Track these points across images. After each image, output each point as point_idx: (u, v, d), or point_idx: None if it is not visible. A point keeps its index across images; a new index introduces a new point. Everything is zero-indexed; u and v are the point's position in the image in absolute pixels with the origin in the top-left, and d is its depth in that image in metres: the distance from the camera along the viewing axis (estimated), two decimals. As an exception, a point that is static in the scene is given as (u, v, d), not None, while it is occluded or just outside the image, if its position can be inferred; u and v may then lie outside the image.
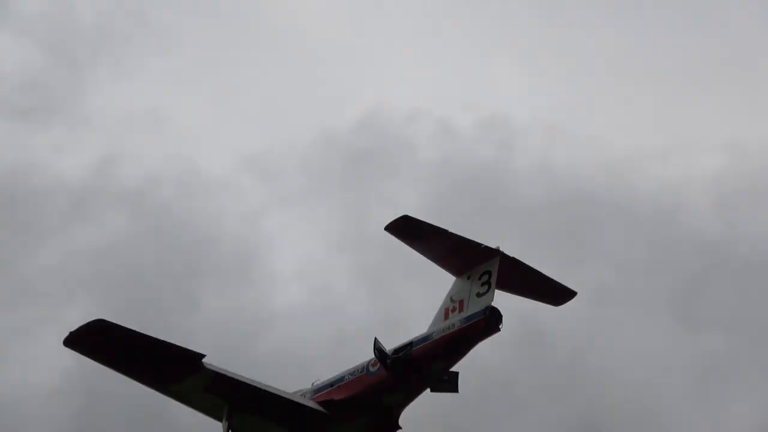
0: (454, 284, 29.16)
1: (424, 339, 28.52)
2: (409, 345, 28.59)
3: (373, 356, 28.59)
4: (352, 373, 29.39)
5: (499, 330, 27.95)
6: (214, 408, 29.28)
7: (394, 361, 28.26)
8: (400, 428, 29.36)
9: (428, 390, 28.90)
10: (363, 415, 29.11)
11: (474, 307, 28.14)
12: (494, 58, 75.17)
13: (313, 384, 30.24)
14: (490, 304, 27.92)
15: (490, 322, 27.77)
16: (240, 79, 76.04)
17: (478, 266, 28.47)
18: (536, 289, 29.91)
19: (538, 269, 29.40)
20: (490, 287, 28.20)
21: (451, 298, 28.94)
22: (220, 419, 29.32)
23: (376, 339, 28.36)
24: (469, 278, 28.78)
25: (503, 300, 29.00)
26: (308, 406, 29.07)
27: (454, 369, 28.68)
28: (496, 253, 28.25)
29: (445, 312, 28.84)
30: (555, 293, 30.15)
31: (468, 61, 74.64)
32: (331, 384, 29.63)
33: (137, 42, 74.39)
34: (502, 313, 27.99)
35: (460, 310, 28.47)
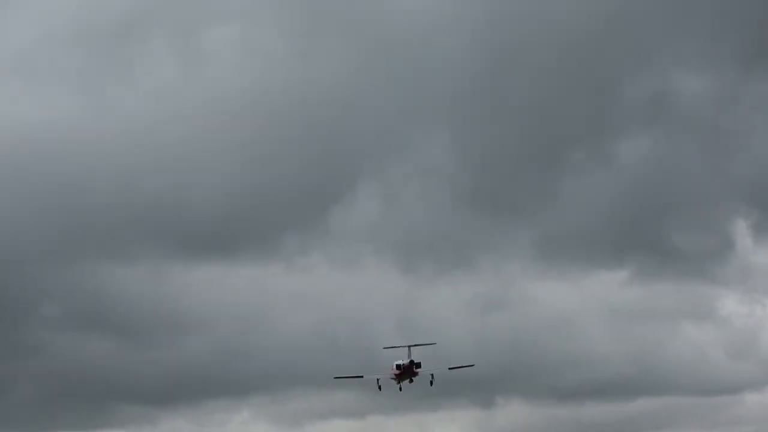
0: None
1: (404, 364, 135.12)
2: (402, 365, 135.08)
3: (396, 367, 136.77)
4: (396, 369, 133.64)
5: (416, 372, 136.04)
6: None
7: (402, 368, 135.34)
8: (417, 374, 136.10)
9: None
10: (404, 376, 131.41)
11: (409, 358, 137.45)
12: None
13: (391, 371, 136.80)
14: (410, 359, 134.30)
15: (412, 365, 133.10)
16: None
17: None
18: None
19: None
20: (411, 353, 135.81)
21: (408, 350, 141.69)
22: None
23: (395, 363, 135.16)
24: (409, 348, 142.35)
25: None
26: (389, 377, 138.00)
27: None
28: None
29: (407, 354, 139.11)
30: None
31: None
32: (392, 374, 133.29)
33: None
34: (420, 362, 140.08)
35: (408, 357, 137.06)
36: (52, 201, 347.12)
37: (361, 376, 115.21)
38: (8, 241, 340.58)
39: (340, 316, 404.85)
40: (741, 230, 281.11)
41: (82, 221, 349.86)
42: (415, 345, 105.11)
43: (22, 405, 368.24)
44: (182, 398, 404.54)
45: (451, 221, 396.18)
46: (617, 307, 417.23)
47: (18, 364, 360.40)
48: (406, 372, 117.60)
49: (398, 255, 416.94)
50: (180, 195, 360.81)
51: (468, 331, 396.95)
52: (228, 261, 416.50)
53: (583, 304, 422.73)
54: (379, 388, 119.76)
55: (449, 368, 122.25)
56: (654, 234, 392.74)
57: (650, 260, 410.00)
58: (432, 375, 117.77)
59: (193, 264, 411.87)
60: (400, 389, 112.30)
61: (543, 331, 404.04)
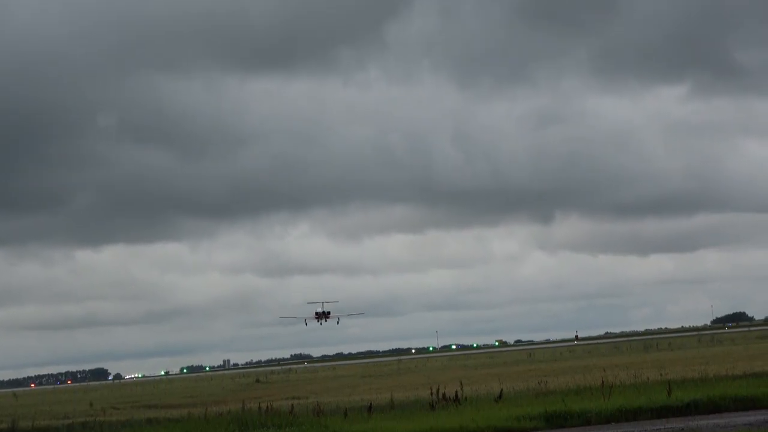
0: None
1: (320, 312, 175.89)
2: (318, 312, 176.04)
3: (315, 313, 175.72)
4: (315, 315, 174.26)
5: (328, 317, 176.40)
6: None
7: (318, 315, 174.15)
8: (329, 317, 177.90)
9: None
10: (320, 318, 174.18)
11: (323, 309, 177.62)
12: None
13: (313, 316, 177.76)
14: (323, 309, 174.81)
15: (324, 313, 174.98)
16: None
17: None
18: None
19: None
20: (324, 306, 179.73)
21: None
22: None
23: (315, 311, 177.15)
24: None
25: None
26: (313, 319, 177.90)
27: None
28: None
29: (322, 306, 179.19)
30: None
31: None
32: (314, 317, 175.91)
33: None
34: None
35: (322, 308, 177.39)
36: (107, 12, 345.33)
37: (296, 317, 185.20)
38: (64, 52, 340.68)
39: (397, 130, 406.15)
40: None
41: (138, 32, 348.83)
42: (327, 302, 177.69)
43: (81, 217, 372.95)
44: (241, 211, 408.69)
45: (508, 35, 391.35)
46: (676, 122, 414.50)
47: (76, 175, 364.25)
48: (321, 317, 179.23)
49: (455, 69, 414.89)
50: (235, 6, 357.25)
51: (525, 146, 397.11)
52: (284, 74, 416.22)
53: (641, 119, 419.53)
54: (306, 324, 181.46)
55: (348, 315, 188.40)
56: (714, 48, 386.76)
57: (710, 75, 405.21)
58: (338, 318, 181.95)
59: (249, 77, 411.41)
60: (321, 324, 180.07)
61: (601, 146, 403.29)
